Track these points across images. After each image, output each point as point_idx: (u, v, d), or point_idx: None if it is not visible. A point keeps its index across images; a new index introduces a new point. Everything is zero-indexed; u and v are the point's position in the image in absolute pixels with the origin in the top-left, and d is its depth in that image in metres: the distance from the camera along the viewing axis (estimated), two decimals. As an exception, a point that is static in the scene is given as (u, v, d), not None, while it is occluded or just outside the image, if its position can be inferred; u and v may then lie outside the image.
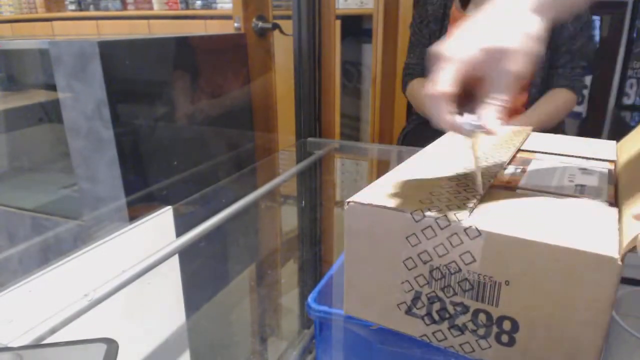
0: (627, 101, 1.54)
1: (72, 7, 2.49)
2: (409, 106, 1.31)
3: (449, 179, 0.40)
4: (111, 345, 0.31)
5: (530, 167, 0.46)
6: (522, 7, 0.37)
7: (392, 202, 0.36)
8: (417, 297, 0.36)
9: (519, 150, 0.52)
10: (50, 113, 1.47)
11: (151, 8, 2.31)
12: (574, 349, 0.31)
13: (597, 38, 1.54)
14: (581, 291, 0.30)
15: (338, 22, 1.40)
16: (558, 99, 1.03)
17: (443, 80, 0.34)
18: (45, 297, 0.52)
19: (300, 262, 1.11)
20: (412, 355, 0.44)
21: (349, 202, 0.37)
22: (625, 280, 0.50)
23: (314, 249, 1.08)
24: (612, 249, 0.29)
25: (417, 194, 0.37)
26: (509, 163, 0.47)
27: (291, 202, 1.13)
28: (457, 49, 0.35)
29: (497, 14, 0.37)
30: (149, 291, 0.66)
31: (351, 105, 2.18)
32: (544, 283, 0.31)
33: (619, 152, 0.51)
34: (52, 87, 1.05)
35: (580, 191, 0.39)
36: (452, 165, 0.44)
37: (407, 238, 0.35)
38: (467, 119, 0.36)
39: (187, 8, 2.23)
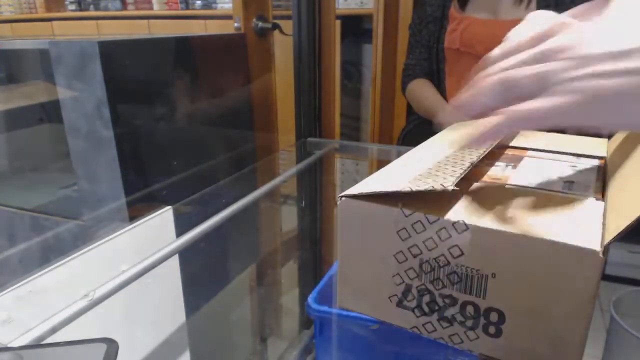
0: (627, 101, 1.54)
1: (72, 7, 2.49)
2: (409, 106, 1.32)
3: (437, 175, 0.41)
4: (111, 345, 0.31)
5: (520, 164, 0.46)
6: None
7: (383, 197, 0.36)
8: (407, 290, 0.37)
9: (510, 147, 0.52)
10: (50, 113, 1.47)
11: (151, 8, 2.31)
12: (557, 339, 0.31)
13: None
14: (564, 283, 0.30)
15: (338, 22, 1.40)
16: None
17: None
18: (45, 297, 0.52)
19: (300, 262, 1.12)
20: (412, 355, 0.44)
21: (341, 197, 0.38)
22: (625, 280, 0.50)
23: (314, 249, 1.09)
24: (594, 242, 0.29)
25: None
26: (500, 160, 0.47)
27: (291, 202, 1.13)
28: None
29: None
30: (149, 291, 0.66)
31: (351, 105, 2.18)
32: (528, 275, 0.31)
33: (609, 149, 0.51)
34: (52, 87, 1.05)
35: (569, 187, 0.39)
36: (442, 161, 0.44)
37: (397, 232, 0.35)
38: None
39: (187, 8, 2.24)
